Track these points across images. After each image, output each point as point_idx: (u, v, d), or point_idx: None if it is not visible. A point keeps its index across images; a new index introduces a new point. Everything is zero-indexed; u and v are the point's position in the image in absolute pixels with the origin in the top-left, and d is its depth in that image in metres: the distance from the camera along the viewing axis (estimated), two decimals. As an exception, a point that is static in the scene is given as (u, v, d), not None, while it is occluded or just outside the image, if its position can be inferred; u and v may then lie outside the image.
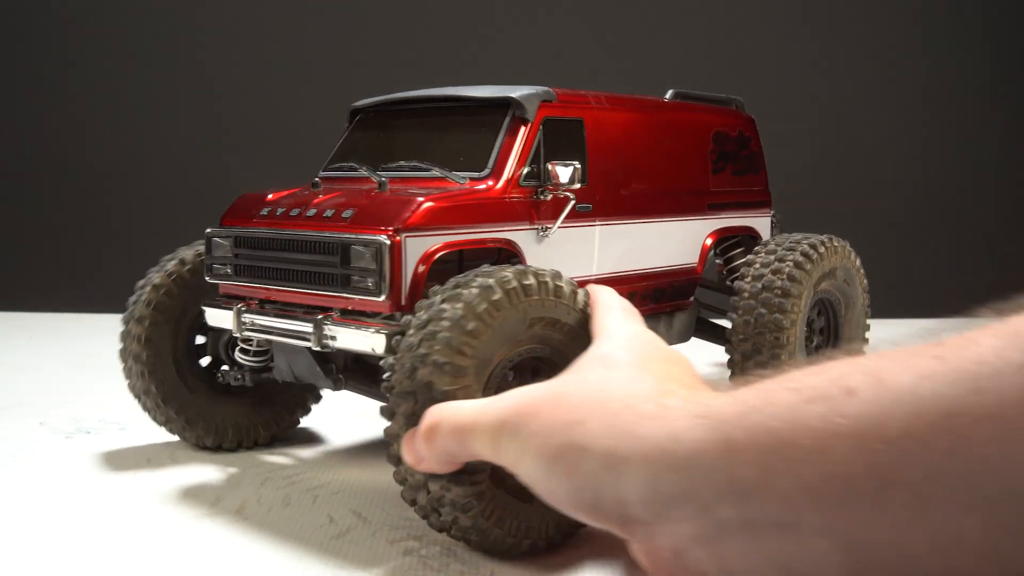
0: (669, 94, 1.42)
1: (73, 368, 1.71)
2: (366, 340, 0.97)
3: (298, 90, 2.37)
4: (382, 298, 0.97)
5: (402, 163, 1.16)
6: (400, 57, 2.33)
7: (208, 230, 1.14)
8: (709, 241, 1.39)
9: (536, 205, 1.12)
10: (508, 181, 1.09)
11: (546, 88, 1.16)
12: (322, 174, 1.25)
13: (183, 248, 1.25)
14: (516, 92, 1.14)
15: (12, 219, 2.40)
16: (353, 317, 1.01)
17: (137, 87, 2.37)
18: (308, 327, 1.01)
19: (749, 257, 1.35)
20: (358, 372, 1.10)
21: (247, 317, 1.09)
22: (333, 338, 1.00)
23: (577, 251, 1.18)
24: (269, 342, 1.13)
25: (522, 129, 1.12)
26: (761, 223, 1.48)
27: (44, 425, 1.35)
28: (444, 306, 0.85)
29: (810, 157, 2.39)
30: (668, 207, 1.31)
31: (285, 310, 1.07)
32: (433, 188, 1.08)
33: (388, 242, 0.97)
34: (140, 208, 2.38)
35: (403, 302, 0.98)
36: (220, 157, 2.36)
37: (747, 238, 1.48)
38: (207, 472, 1.14)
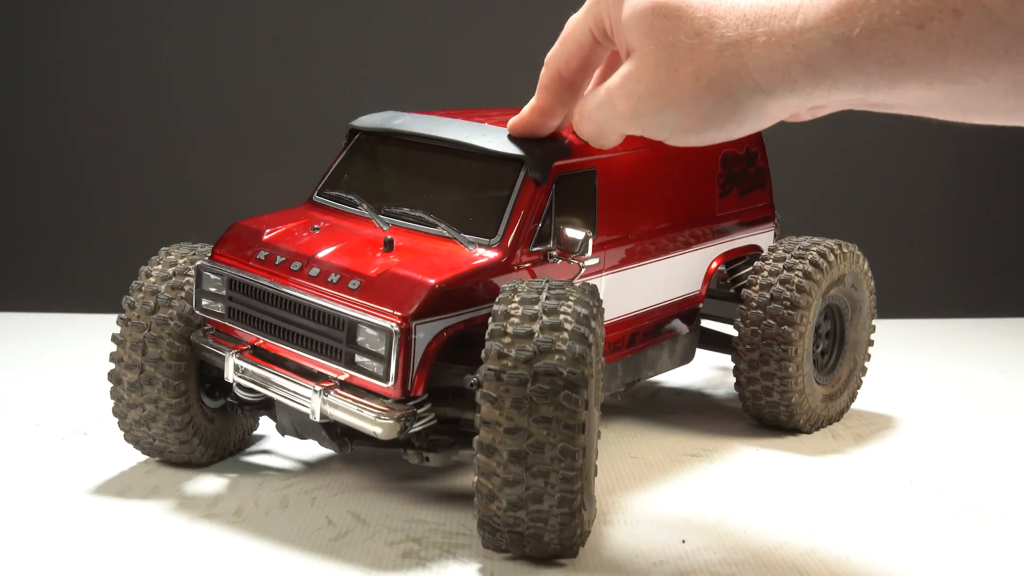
0: None
1: (69, 369, 1.71)
2: (371, 426, 0.93)
3: (295, 94, 2.36)
4: (389, 384, 0.92)
5: (407, 211, 1.07)
6: (400, 61, 2.33)
7: (198, 263, 1.07)
8: (714, 265, 1.35)
9: (544, 270, 1.06)
10: (519, 251, 1.03)
11: (562, 143, 1.06)
12: (317, 199, 1.15)
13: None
14: (530, 150, 1.04)
15: (6, 219, 2.39)
16: (356, 393, 0.95)
17: (130, 87, 2.37)
18: (308, 394, 0.96)
19: (756, 264, 1.31)
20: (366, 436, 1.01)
21: (241, 364, 1.02)
22: (335, 407, 0.94)
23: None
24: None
25: (535, 191, 1.05)
26: (765, 239, 1.44)
27: (40, 426, 1.34)
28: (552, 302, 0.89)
29: (815, 155, 2.39)
30: (674, 242, 1.26)
31: (282, 365, 1.01)
32: (439, 249, 1.01)
33: (397, 330, 0.91)
34: (135, 209, 2.37)
35: (409, 387, 0.93)
36: (216, 159, 2.36)
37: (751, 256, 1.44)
38: (204, 474, 1.14)
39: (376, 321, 0.93)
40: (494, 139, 1.06)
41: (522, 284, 0.93)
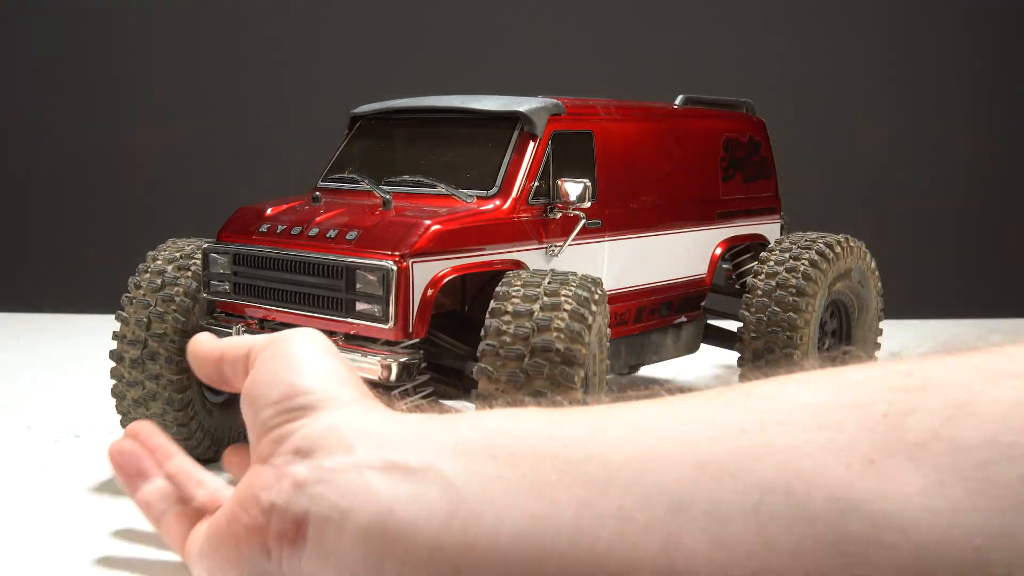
0: (679, 100, 1.38)
1: (61, 370, 1.69)
2: (375, 369, 0.95)
3: (295, 92, 2.34)
4: (389, 325, 0.95)
5: (406, 178, 1.13)
6: (402, 61, 2.31)
7: (204, 245, 1.10)
8: (718, 251, 1.36)
9: (545, 223, 1.10)
10: (516, 200, 1.07)
11: (555, 100, 1.13)
12: (321, 184, 1.22)
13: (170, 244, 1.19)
14: (524, 106, 1.10)
15: (-1, 219, 2.37)
16: (358, 343, 0.99)
17: (126, 87, 2.35)
18: None
19: (763, 255, 1.32)
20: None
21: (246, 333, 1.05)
22: None
23: (586, 268, 1.16)
24: None
25: (531, 145, 1.09)
26: (771, 229, 1.45)
27: (31, 429, 1.33)
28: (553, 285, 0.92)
29: (822, 156, 2.37)
30: (677, 218, 1.28)
31: None
32: (439, 207, 1.06)
33: (395, 268, 0.94)
34: (129, 209, 2.35)
35: (410, 329, 0.96)
36: (211, 159, 2.34)
37: (756, 245, 1.44)
38: (200, 476, 1.12)
39: (373, 263, 0.95)
40: (488, 101, 1.13)
41: (526, 272, 0.97)
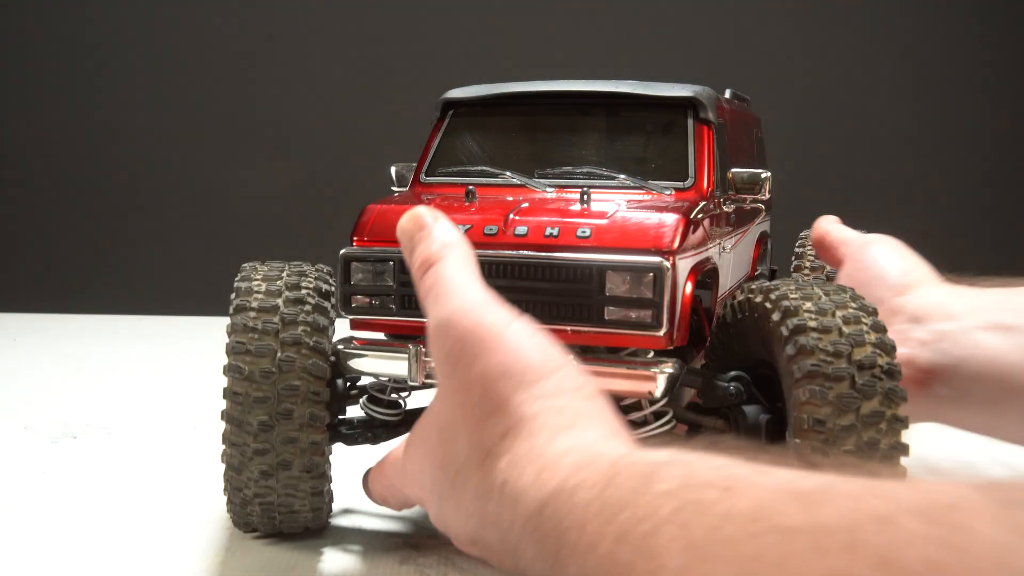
0: (728, 93, 1.29)
1: (59, 371, 1.69)
2: (642, 385, 0.81)
3: (282, 96, 2.34)
4: (661, 332, 0.81)
5: (569, 170, 0.97)
6: (400, 53, 2.31)
7: (345, 252, 0.89)
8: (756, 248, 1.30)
9: (722, 217, 0.99)
10: (709, 193, 0.95)
11: (705, 87, 1.03)
12: (426, 179, 1.03)
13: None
14: (692, 91, 0.99)
15: (-3, 219, 2.37)
16: (594, 355, 0.84)
17: (127, 86, 2.35)
18: None
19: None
20: None
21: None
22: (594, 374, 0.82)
23: (742, 263, 1.12)
24: (408, 393, 0.93)
25: (707, 133, 0.98)
26: (764, 227, 1.43)
27: (29, 429, 1.33)
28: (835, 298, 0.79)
29: (813, 152, 2.38)
30: (740, 214, 1.18)
31: None
32: (642, 197, 0.92)
33: (667, 265, 0.80)
34: (126, 209, 2.35)
35: (675, 335, 0.82)
36: (207, 160, 2.34)
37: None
38: (197, 479, 1.12)
39: (638, 260, 0.81)
40: (647, 87, 0.99)
41: (785, 281, 0.84)
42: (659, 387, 0.81)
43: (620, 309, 0.82)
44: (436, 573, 0.88)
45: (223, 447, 0.87)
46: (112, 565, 0.89)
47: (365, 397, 0.96)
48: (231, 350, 0.84)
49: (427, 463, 0.65)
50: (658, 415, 0.88)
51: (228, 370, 0.84)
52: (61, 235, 2.37)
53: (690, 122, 0.99)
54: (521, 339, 0.60)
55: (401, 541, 0.95)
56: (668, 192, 0.94)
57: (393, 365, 0.88)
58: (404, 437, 0.74)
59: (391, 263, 0.88)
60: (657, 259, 0.81)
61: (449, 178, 1.02)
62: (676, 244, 0.81)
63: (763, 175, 0.97)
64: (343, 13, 2.32)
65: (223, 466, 0.88)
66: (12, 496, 1.07)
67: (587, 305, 0.82)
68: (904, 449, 0.76)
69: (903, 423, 0.76)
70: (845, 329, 0.77)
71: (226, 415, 0.85)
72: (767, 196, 0.98)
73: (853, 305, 0.79)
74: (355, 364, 0.89)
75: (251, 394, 0.83)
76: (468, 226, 0.86)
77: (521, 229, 0.85)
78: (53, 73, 2.35)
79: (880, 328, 0.78)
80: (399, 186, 1.07)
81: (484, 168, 1.01)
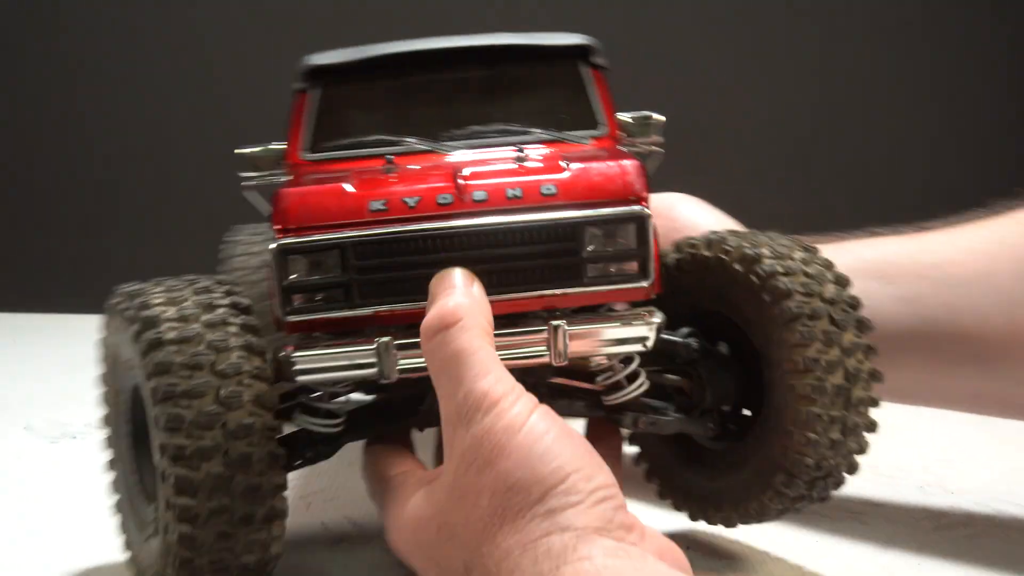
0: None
1: (58, 371, 1.69)
2: (643, 330, 0.79)
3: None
4: (648, 283, 0.79)
5: (478, 129, 0.90)
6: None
7: (279, 244, 0.77)
8: None
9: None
10: (619, 139, 0.91)
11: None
12: (309, 155, 0.90)
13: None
14: (581, 37, 0.94)
15: (-4, 219, 2.37)
16: (577, 316, 0.80)
17: (121, 87, 2.35)
18: (538, 339, 0.78)
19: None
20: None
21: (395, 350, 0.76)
22: (585, 336, 0.78)
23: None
24: (346, 399, 0.84)
25: (602, 78, 0.93)
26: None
27: (28, 430, 1.33)
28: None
29: (795, 157, 2.38)
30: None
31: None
32: (570, 149, 0.87)
33: (648, 212, 0.78)
34: (123, 208, 2.35)
35: (654, 285, 0.80)
36: (207, 161, 2.34)
37: None
38: (197, 478, 1.12)
39: (620, 211, 0.78)
40: (534, 37, 0.94)
41: (731, 232, 0.86)
42: (651, 338, 0.79)
43: (604, 264, 0.79)
44: (436, 573, 0.88)
45: (160, 519, 0.72)
46: (112, 565, 0.89)
47: (298, 409, 0.84)
48: (159, 397, 0.69)
49: (421, 553, 0.67)
50: (631, 378, 0.86)
51: (161, 423, 0.69)
52: (61, 235, 2.37)
53: (584, 69, 0.94)
54: (533, 445, 0.61)
55: (401, 541, 0.95)
56: (587, 141, 0.89)
57: (357, 365, 0.77)
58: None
59: (336, 251, 0.78)
60: (638, 208, 0.78)
61: (340, 151, 0.90)
62: (645, 190, 0.79)
63: (654, 117, 0.93)
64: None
65: (150, 544, 0.74)
66: (11, 496, 1.07)
67: (569, 265, 0.78)
68: (879, 376, 0.81)
69: (874, 350, 0.81)
70: (808, 269, 0.81)
71: (168, 479, 0.69)
72: (661, 140, 0.93)
73: (799, 246, 0.84)
74: (306, 373, 0.77)
75: (196, 446, 0.69)
76: (417, 198, 0.78)
77: (479, 194, 0.78)
78: (52, 81, 2.35)
79: (830, 264, 0.83)
80: (257, 171, 0.92)
81: (380, 137, 0.89)
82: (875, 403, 0.83)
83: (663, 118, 0.93)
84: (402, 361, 0.76)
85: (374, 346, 0.76)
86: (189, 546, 0.70)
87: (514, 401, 0.63)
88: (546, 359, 0.78)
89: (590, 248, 0.79)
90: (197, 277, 0.80)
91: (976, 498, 1.09)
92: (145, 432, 0.76)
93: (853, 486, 1.14)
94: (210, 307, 0.75)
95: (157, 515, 0.73)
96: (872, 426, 0.83)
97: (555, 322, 0.77)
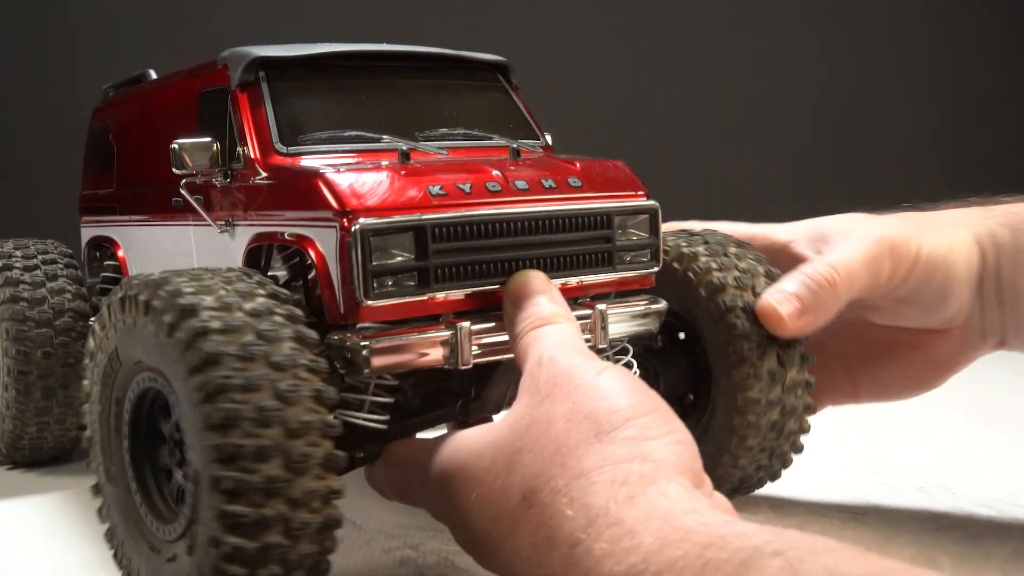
0: None
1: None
2: (650, 324, 0.89)
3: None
4: (657, 268, 0.89)
5: (447, 131, 0.93)
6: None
7: (361, 225, 0.73)
8: None
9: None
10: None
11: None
12: (288, 149, 0.85)
13: None
14: (495, 56, 1.02)
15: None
16: (606, 300, 0.87)
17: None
18: (585, 323, 0.83)
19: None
20: None
21: (478, 330, 0.78)
22: (626, 319, 0.88)
23: None
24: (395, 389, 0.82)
25: (517, 93, 1.02)
26: None
27: (28, 429, 1.32)
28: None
29: (793, 151, 2.38)
30: None
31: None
32: (536, 157, 0.93)
33: (658, 207, 0.88)
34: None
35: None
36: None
37: None
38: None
39: (639, 204, 0.88)
40: (459, 53, 0.99)
41: (687, 240, 0.97)
42: (657, 325, 0.89)
43: (629, 252, 0.87)
44: (435, 574, 0.88)
45: (198, 533, 0.63)
46: (111, 568, 0.89)
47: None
48: (209, 391, 0.61)
49: (479, 486, 0.65)
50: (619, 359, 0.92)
51: (212, 421, 0.61)
52: (61, 234, 2.36)
53: (506, 85, 1.01)
54: (612, 385, 0.63)
55: (401, 542, 0.95)
56: (537, 151, 0.96)
57: (430, 352, 0.76)
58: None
59: (411, 233, 0.75)
60: (654, 201, 0.88)
61: (319, 145, 0.86)
62: (643, 185, 0.88)
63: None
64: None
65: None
66: (12, 496, 1.07)
67: (604, 251, 0.85)
68: (811, 359, 0.94)
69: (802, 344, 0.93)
70: (740, 264, 0.93)
71: (217, 485, 0.61)
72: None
73: (750, 256, 0.95)
74: (382, 360, 0.74)
75: (250, 446, 0.61)
76: (469, 184, 0.78)
77: (521, 183, 0.81)
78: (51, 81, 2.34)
79: (773, 274, 0.93)
80: (195, 164, 0.87)
81: (360, 134, 0.89)
82: (809, 385, 0.93)
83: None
84: (475, 347, 0.77)
85: (452, 332, 0.76)
86: (240, 560, 0.61)
87: (595, 357, 0.68)
88: (589, 343, 0.82)
89: (622, 237, 0.86)
90: (215, 268, 0.73)
91: (978, 499, 1.08)
92: (153, 443, 0.72)
93: (854, 486, 1.13)
94: (250, 295, 0.68)
95: (190, 531, 0.64)
96: (810, 408, 0.93)
97: (600, 306, 0.84)
